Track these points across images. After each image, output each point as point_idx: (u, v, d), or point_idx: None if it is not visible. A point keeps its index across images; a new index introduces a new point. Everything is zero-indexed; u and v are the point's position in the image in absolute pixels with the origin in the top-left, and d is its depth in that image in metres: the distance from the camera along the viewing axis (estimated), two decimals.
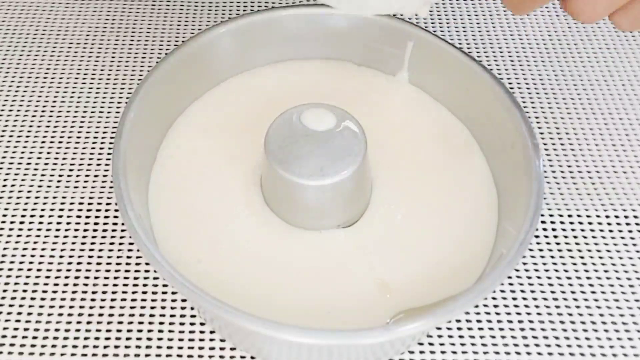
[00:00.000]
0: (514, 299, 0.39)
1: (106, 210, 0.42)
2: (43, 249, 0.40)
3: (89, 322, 0.37)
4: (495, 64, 0.50)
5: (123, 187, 0.36)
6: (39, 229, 0.41)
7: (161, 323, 0.37)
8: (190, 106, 0.44)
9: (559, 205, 0.43)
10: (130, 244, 0.40)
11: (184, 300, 0.38)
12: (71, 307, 0.38)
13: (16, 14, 0.53)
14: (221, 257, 0.38)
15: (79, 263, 0.39)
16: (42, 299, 0.38)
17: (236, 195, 0.40)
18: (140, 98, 0.39)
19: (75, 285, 0.39)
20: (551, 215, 0.42)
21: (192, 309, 0.38)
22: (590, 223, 0.42)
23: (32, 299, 0.38)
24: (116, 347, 0.36)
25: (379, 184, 0.41)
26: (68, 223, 0.41)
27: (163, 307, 0.38)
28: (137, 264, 0.39)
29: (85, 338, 0.37)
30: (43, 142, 0.45)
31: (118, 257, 0.40)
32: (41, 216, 0.41)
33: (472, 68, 0.42)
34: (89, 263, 0.39)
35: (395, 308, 0.36)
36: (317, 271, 0.37)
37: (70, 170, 0.43)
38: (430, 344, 0.37)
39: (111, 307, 0.38)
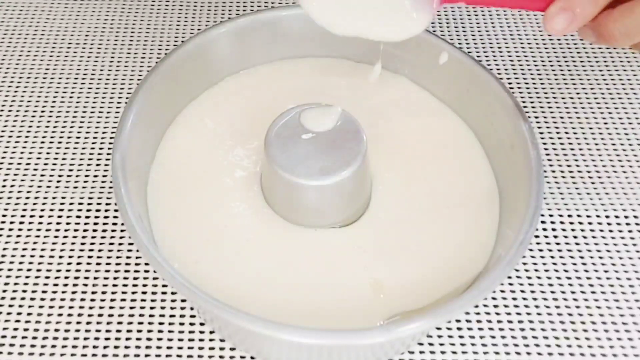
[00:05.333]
0: (514, 299, 0.39)
1: (106, 211, 0.42)
2: (43, 249, 0.40)
3: (88, 322, 0.37)
4: (495, 64, 0.50)
5: (123, 187, 0.36)
6: (39, 229, 0.41)
7: (161, 323, 0.37)
8: (189, 105, 0.44)
9: (559, 205, 0.43)
10: (130, 244, 0.40)
11: (183, 301, 0.38)
12: (71, 307, 0.38)
13: (15, 14, 0.52)
14: (219, 256, 0.38)
15: (78, 263, 0.39)
16: (42, 299, 0.38)
17: (235, 195, 0.40)
18: (139, 98, 0.39)
19: (75, 285, 0.39)
20: (551, 216, 0.42)
21: (191, 309, 0.38)
22: (590, 223, 0.42)
23: (32, 299, 0.38)
24: (116, 347, 0.36)
25: (379, 184, 0.41)
26: (68, 223, 0.41)
27: (163, 307, 0.38)
28: (137, 264, 0.39)
29: (85, 338, 0.37)
30: (43, 142, 0.45)
31: (118, 257, 0.40)
32: (41, 216, 0.41)
33: (472, 68, 0.42)
34: (88, 263, 0.39)
35: (388, 308, 0.36)
36: (313, 269, 0.38)
37: (70, 170, 0.43)
38: (430, 344, 0.37)
39: (111, 307, 0.38)
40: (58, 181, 0.43)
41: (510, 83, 0.49)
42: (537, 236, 0.41)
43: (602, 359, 0.37)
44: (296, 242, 0.38)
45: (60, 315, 0.38)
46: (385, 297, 0.36)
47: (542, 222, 0.42)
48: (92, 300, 0.38)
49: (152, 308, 0.38)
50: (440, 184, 0.41)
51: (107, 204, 0.42)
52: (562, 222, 0.42)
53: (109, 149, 0.44)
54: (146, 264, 0.39)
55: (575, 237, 0.41)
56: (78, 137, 0.45)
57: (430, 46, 0.43)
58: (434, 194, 0.40)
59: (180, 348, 0.36)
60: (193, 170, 0.41)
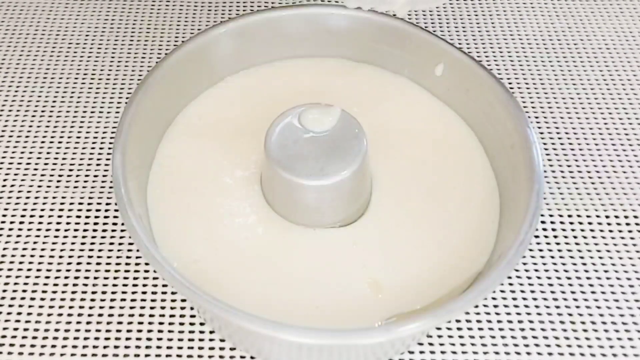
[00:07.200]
0: (514, 299, 0.39)
1: (106, 210, 0.42)
2: (43, 249, 0.40)
3: (88, 322, 0.37)
4: (495, 64, 0.50)
5: (123, 187, 0.36)
6: (39, 229, 0.41)
7: (161, 323, 0.37)
8: (189, 105, 0.44)
9: (559, 205, 0.43)
10: (130, 244, 0.40)
11: (183, 300, 0.38)
12: (71, 307, 0.38)
13: (15, 14, 0.53)
14: (219, 256, 0.38)
15: (78, 263, 0.39)
16: (42, 299, 0.38)
17: (235, 194, 0.40)
18: (139, 98, 0.39)
19: (75, 285, 0.39)
20: (551, 216, 0.42)
21: (191, 309, 0.38)
22: (590, 223, 0.42)
23: (32, 299, 0.38)
24: (116, 347, 0.36)
25: (379, 184, 0.41)
26: (68, 223, 0.41)
27: (163, 307, 0.38)
28: (137, 264, 0.39)
29: (85, 338, 0.37)
30: (43, 142, 0.45)
31: (118, 257, 0.40)
32: (41, 216, 0.41)
33: (472, 68, 0.42)
34: (88, 263, 0.39)
35: (387, 308, 0.36)
36: (312, 269, 0.38)
37: (70, 170, 0.43)
38: (430, 344, 0.37)
39: (111, 307, 0.38)
40: (58, 181, 0.43)
41: (510, 83, 0.49)
42: (537, 236, 0.41)
43: (602, 359, 0.37)
44: (296, 242, 0.38)
45: (60, 315, 0.38)
46: (384, 297, 0.36)
47: (542, 222, 0.42)
48: (92, 300, 0.38)
49: (152, 308, 0.38)
50: (440, 184, 0.41)
51: (107, 204, 0.42)
52: (562, 222, 0.42)
53: (109, 149, 0.44)
54: (146, 264, 0.39)
55: (575, 237, 0.41)
56: (78, 137, 0.45)
57: (430, 46, 0.43)
58: (434, 194, 0.40)
59: (180, 348, 0.36)
60: (193, 170, 0.41)
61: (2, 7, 0.53)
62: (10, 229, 0.41)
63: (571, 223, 0.42)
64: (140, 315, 0.38)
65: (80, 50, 0.50)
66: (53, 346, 0.36)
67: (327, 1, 0.42)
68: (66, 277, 0.39)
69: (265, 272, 0.37)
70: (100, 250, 0.40)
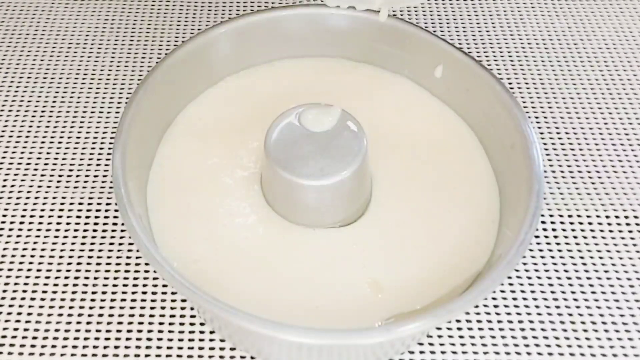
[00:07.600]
0: (514, 299, 0.39)
1: (106, 211, 0.42)
2: (43, 249, 0.40)
3: (88, 322, 0.37)
4: (495, 64, 0.50)
5: (123, 187, 0.36)
6: (39, 229, 0.41)
7: (161, 323, 0.37)
8: (189, 105, 0.44)
9: (559, 205, 0.43)
10: (130, 244, 0.40)
11: (183, 300, 0.38)
12: (71, 307, 0.38)
13: (15, 14, 0.53)
14: (218, 256, 0.38)
15: (79, 263, 0.39)
16: (42, 299, 0.38)
17: (235, 194, 0.40)
18: (139, 98, 0.39)
19: (75, 285, 0.39)
20: (551, 216, 0.42)
21: (192, 309, 0.38)
22: (590, 223, 0.42)
23: (32, 299, 0.38)
24: (116, 347, 0.36)
25: (379, 184, 0.41)
26: (68, 223, 0.41)
27: (163, 307, 0.38)
28: (137, 264, 0.39)
29: (85, 338, 0.37)
30: (43, 142, 0.45)
31: (118, 257, 0.40)
32: (41, 216, 0.41)
33: (472, 68, 0.42)
34: (88, 263, 0.39)
35: (386, 308, 0.36)
36: (312, 269, 0.38)
37: (70, 170, 0.43)
38: (430, 344, 0.37)
39: (111, 307, 0.38)
40: (58, 181, 0.43)
41: (510, 83, 0.49)
42: (537, 236, 0.41)
43: (602, 359, 0.37)
44: (296, 242, 0.39)
45: (60, 315, 0.38)
46: (384, 297, 0.36)
47: (542, 222, 0.42)
48: (92, 300, 0.38)
49: (152, 308, 0.38)
50: (440, 183, 0.41)
51: (107, 204, 0.42)
52: (562, 222, 0.42)
53: (109, 149, 0.44)
54: (146, 264, 0.39)
55: (575, 237, 0.41)
56: (78, 137, 0.45)
57: (430, 46, 0.43)
58: (434, 194, 0.40)
59: (180, 348, 0.36)
60: (193, 170, 0.41)
61: (2, 7, 0.53)
62: (10, 229, 0.41)
63: (571, 223, 0.42)
64: (140, 315, 0.38)
65: (80, 50, 0.50)
66: (53, 346, 0.36)
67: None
68: (66, 277, 0.39)
69: (265, 272, 0.37)
70: (100, 250, 0.40)
